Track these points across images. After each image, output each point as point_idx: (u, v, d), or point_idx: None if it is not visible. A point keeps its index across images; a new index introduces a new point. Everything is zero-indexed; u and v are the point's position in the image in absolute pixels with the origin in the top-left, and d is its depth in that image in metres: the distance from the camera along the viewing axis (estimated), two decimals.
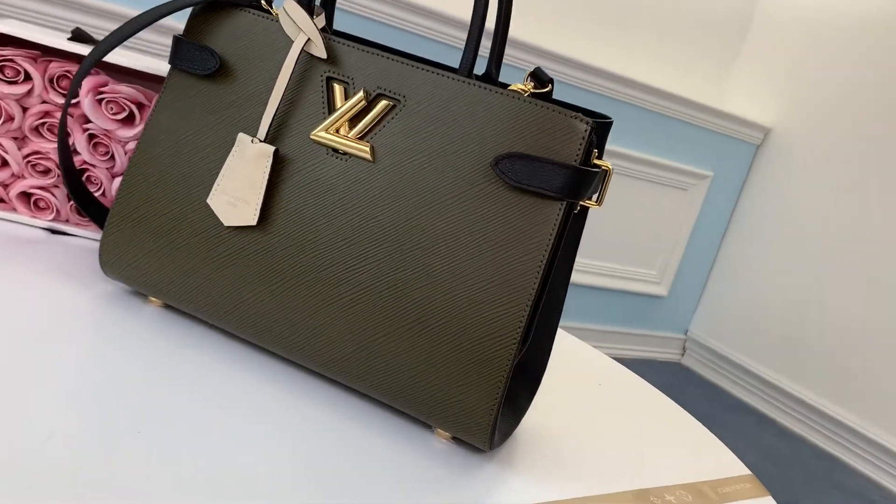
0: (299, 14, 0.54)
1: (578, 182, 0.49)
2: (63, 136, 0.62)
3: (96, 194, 0.70)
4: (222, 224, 0.55)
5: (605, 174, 0.52)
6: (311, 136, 0.53)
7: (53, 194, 0.70)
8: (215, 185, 0.55)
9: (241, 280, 0.54)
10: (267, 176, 0.54)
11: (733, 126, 2.67)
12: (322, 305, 0.53)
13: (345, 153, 0.53)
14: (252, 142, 0.54)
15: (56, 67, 0.68)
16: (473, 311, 0.50)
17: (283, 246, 0.54)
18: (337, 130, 0.53)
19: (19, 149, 0.69)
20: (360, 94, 0.53)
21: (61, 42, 0.67)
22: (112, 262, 0.59)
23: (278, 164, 0.54)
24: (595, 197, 0.52)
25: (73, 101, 0.68)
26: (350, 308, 0.52)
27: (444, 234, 0.51)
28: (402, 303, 0.51)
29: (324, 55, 0.54)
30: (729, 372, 2.79)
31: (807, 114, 2.66)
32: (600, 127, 0.53)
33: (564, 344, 0.82)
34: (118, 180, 0.70)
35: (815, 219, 2.59)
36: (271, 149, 0.53)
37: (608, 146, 2.45)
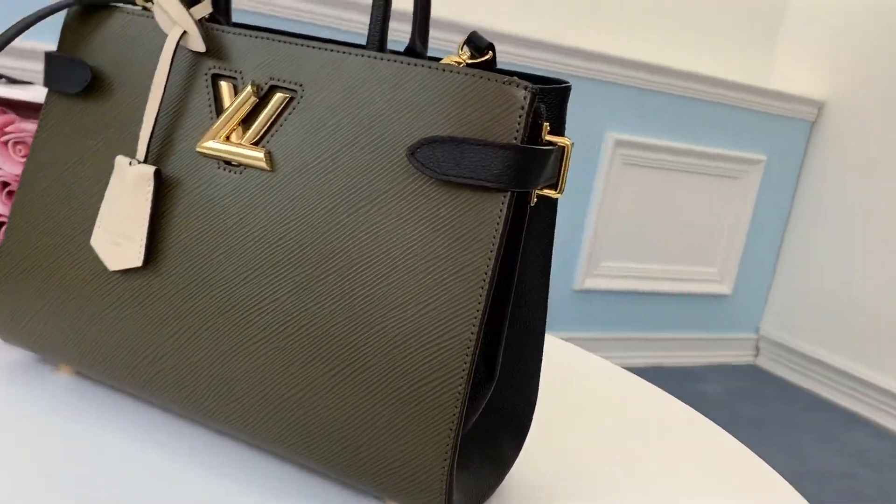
0: (170, 3, 0.44)
1: (522, 165, 0.38)
2: None
3: None
4: (107, 268, 0.45)
5: (562, 152, 0.40)
6: (198, 149, 0.43)
7: None
8: (97, 221, 0.45)
9: (140, 332, 0.44)
10: (150, 203, 0.44)
11: (783, 104, 2.49)
12: (230, 356, 0.42)
13: (238, 164, 0.43)
14: (130, 164, 0.44)
15: None
16: (407, 344, 0.38)
17: (178, 287, 0.43)
18: (227, 137, 0.43)
19: None
20: (249, 88, 0.42)
21: None
22: (5, 323, 0.49)
23: (163, 187, 0.44)
24: (551, 182, 0.40)
25: None
26: (260, 357, 0.41)
27: (362, 250, 0.40)
28: (319, 344, 0.40)
29: (202, 48, 0.43)
30: (808, 369, 2.58)
31: (863, 82, 2.46)
32: (551, 94, 0.42)
33: (568, 362, 0.69)
34: None
35: (886, 194, 2.37)
36: (151, 169, 0.43)
37: (646, 139, 2.30)
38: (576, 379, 0.66)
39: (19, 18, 0.48)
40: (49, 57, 0.48)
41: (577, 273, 2.32)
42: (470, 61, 0.43)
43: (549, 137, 0.40)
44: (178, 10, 0.44)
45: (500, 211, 0.38)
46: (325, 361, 0.40)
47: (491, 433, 0.46)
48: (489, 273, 0.38)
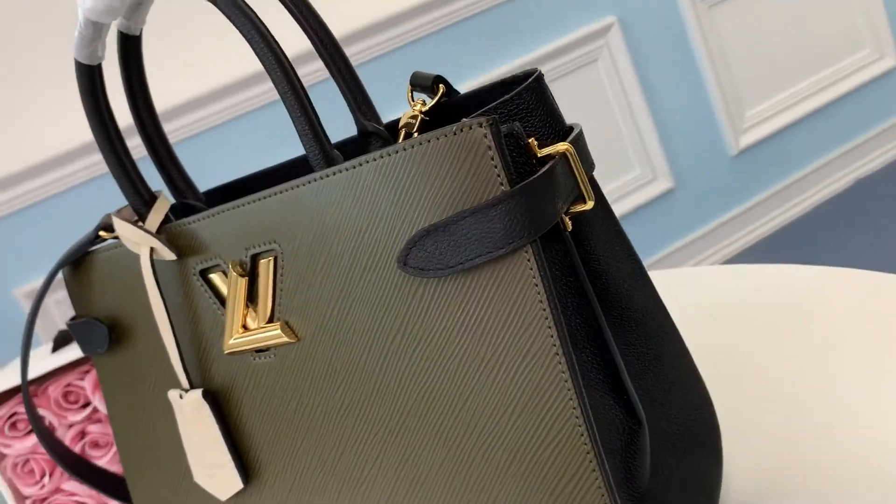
0: (126, 228, 0.41)
1: (527, 209, 0.30)
2: (55, 447, 0.54)
3: None
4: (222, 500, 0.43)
5: (567, 161, 0.32)
6: (227, 352, 0.40)
7: None
8: (188, 461, 0.43)
9: None
10: (216, 425, 0.41)
11: None
12: None
13: (266, 348, 0.39)
14: (181, 396, 0.41)
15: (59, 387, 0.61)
16: (520, 461, 0.32)
17: (287, 488, 0.40)
18: (244, 327, 0.39)
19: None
20: (233, 271, 0.38)
21: (35, 367, 0.61)
22: None
23: (220, 402, 0.41)
24: (575, 195, 0.33)
25: (77, 408, 0.61)
26: None
27: (425, 379, 0.34)
28: (437, 490, 0.35)
29: (173, 256, 0.40)
30: None
31: None
32: (522, 100, 0.34)
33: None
34: None
35: None
36: (198, 393, 0.40)
37: None
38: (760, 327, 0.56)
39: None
40: (71, 327, 0.47)
41: (727, 139, 2.12)
42: (425, 109, 0.37)
43: (543, 153, 0.32)
44: (134, 232, 0.40)
45: (532, 269, 0.31)
46: None
47: (679, 473, 0.38)
48: (557, 339, 0.31)
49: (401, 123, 0.38)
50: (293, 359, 0.38)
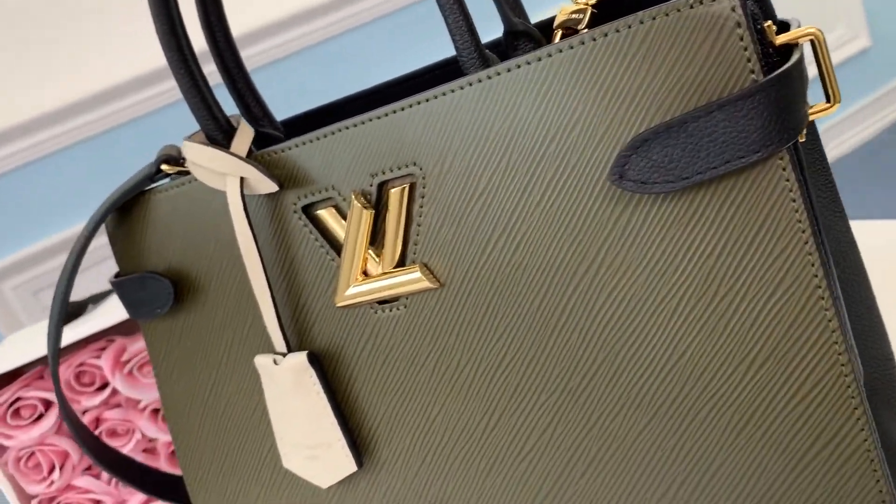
0: (207, 154, 0.33)
1: (785, 104, 0.24)
2: (87, 438, 0.45)
3: None
4: (321, 488, 0.35)
5: (816, 48, 0.26)
6: (339, 304, 0.32)
7: None
8: (277, 442, 0.35)
9: None
10: (324, 395, 0.33)
11: None
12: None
13: (395, 298, 0.32)
14: (276, 362, 0.34)
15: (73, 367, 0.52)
16: (747, 428, 0.26)
17: (414, 467, 0.33)
18: (365, 273, 0.32)
19: (98, 477, 0.54)
20: (355, 203, 0.31)
21: (43, 345, 0.52)
22: None
23: (327, 368, 0.34)
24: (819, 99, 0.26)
25: (93, 391, 0.52)
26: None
27: (614, 331, 0.27)
28: (661, 467, 0.29)
29: (273, 186, 0.32)
30: None
31: None
32: None
33: None
34: None
35: None
36: (302, 356, 0.33)
37: None
38: None
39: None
40: (116, 285, 0.38)
41: None
42: (593, 0, 0.30)
43: (780, 40, 0.26)
44: (220, 158, 0.32)
45: (788, 181, 0.24)
46: (688, 479, 0.28)
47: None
48: (819, 268, 0.25)
49: (557, 22, 0.31)
50: (432, 309, 0.31)
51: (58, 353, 0.40)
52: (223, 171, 0.32)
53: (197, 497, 0.40)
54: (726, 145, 0.24)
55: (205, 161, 0.33)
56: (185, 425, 0.39)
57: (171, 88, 1.29)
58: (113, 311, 0.52)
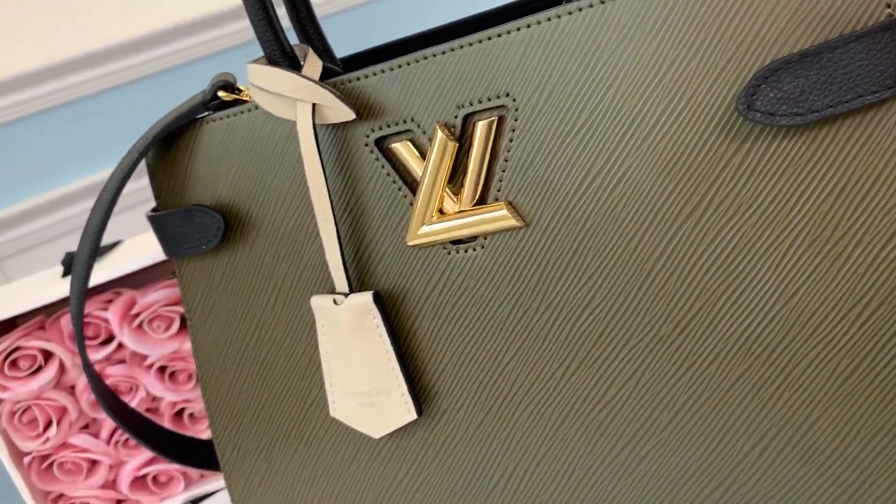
0: (278, 77, 0.31)
1: None
2: (105, 394, 0.43)
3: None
4: (372, 438, 0.34)
5: None
6: (411, 243, 0.31)
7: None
8: (328, 389, 0.34)
9: (452, 492, 0.33)
10: (387, 339, 0.32)
11: None
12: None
13: (473, 237, 0.30)
14: (336, 302, 0.32)
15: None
16: (853, 376, 0.26)
17: (475, 421, 0.32)
18: (441, 212, 0.30)
19: (97, 436, 0.51)
20: (440, 134, 0.29)
21: (47, 292, 0.49)
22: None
23: (392, 310, 0.32)
24: None
25: (96, 345, 0.50)
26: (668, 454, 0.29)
27: (717, 274, 0.27)
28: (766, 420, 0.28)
29: (350, 114, 0.31)
30: None
31: None
32: None
33: None
34: None
35: None
36: (367, 296, 0.31)
37: None
38: None
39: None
40: (155, 220, 0.36)
41: None
42: None
43: None
44: (295, 82, 0.31)
45: None
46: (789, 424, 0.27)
47: None
48: None
49: None
50: (513, 250, 0.29)
51: (84, 296, 0.38)
52: (295, 97, 0.31)
53: (224, 451, 0.38)
54: (861, 78, 0.23)
55: (274, 85, 0.31)
56: (218, 373, 0.37)
57: (163, 55, 1.24)
58: (118, 264, 0.50)
